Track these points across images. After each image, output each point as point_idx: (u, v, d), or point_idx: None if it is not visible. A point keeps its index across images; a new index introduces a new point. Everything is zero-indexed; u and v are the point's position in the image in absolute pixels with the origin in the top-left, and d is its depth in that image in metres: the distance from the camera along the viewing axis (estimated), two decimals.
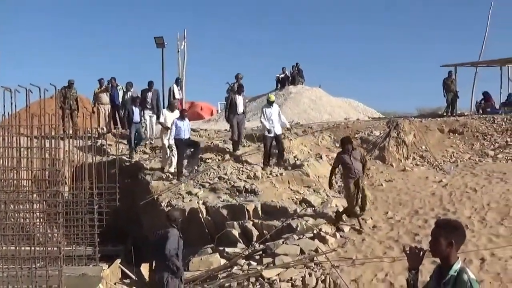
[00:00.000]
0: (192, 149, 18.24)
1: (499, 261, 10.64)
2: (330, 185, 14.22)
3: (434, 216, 13.44)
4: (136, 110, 20.42)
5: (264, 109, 18.12)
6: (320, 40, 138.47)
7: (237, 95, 19.39)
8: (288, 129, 22.61)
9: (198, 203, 15.79)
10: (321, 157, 19.46)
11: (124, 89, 22.87)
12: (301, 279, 10.74)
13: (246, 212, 14.77)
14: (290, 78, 36.04)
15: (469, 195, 15.19)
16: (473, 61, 32.39)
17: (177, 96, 23.81)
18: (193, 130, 22.10)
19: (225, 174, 17.58)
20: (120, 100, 22.89)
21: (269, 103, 18.19)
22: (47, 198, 11.16)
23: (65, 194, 13.69)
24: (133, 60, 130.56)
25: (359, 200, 13.27)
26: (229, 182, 16.98)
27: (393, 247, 11.96)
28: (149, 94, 21.95)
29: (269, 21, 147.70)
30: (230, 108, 19.30)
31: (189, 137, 18.20)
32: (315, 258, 11.67)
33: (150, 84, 22.42)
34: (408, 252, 5.05)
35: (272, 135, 17.77)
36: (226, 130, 23.51)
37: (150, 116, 21.94)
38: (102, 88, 23.50)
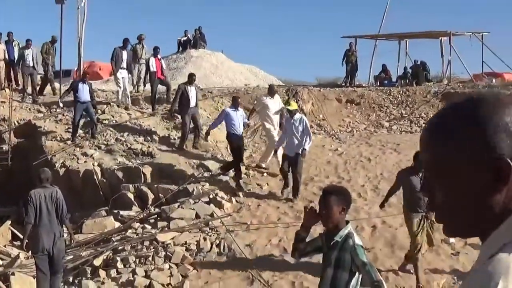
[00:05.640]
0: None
1: (389, 229, 10.99)
2: (382, 206, 10.15)
3: (329, 183, 13.63)
4: (84, 87, 16.74)
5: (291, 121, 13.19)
6: (223, 4, 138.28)
7: (188, 86, 16.24)
8: None
9: (93, 164, 15.51)
10: None
11: (22, 46, 21.82)
12: (195, 243, 10.77)
13: (142, 175, 14.63)
14: (192, 41, 35.75)
15: (363, 164, 15.55)
16: (372, 34, 33.07)
17: (152, 69, 19.28)
18: None
19: (122, 135, 17.26)
20: (16, 56, 21.89)
21: (290, 113, 13.27)
22: None
23: None
24: (30, 15, 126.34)
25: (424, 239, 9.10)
26: (126, 144, 16.71)
27: (288, 213, 12.10)
28: (124, 53, 19.75)
29: None
30: (181, 101, 16.13)
31: (242, 133, 14.93)
32: (210, 223, 11.70)
33: (125, 41, 20.17)
34: (308, 210, 5.11)
35: (289, 154, 13.14)
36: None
37: (123, 78, 19.69)
38: None
